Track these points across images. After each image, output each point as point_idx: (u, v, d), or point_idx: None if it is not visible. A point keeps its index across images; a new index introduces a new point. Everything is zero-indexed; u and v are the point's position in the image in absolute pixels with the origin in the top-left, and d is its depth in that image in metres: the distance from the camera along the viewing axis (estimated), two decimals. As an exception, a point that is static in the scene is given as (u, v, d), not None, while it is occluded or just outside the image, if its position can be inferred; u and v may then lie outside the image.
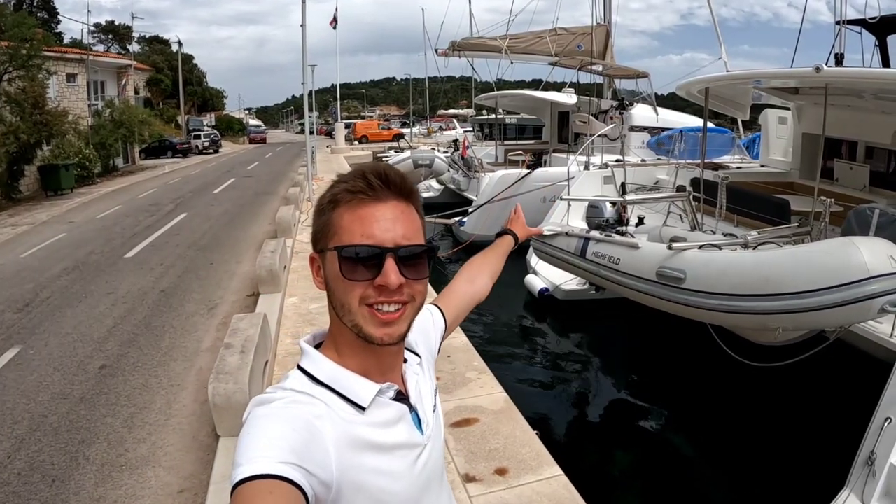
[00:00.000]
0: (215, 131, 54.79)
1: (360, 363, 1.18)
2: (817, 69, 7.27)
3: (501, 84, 21.08)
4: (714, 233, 7.87)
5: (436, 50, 21.36)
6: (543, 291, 10.58)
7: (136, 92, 45.59)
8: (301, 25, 17.42)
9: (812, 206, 7.40)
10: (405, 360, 1.33)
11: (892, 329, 5.75)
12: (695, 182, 9.52)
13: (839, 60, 9.87)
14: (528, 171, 14.78)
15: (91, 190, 24.45)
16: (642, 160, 15.21)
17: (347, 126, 53.86)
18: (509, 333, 10.12)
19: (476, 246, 13.66)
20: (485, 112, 29.58)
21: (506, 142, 22.34)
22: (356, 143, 49.41)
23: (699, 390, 7.83)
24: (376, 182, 1.14)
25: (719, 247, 6.55)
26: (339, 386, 1.14)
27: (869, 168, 10.40)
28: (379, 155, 27.09)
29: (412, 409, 1.25)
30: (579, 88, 20.26)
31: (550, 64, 18.48)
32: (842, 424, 5.66)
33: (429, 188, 20.92)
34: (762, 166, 13.94)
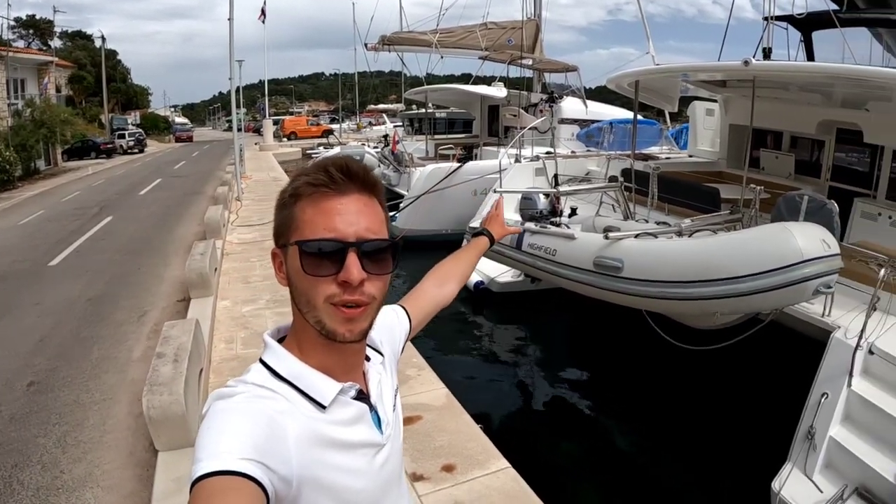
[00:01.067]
0: (140, 130, 52.68)
1: (323, 360, 1.16)
2: (746, 63, 7.51)
3: (431, 78, 21.06)
4: (647, 222, 8.00)
5: (365, 45, 21.12)
6: (479, 285, 10.58)
7: (58, 90, 43.59)
8: (228, 19, 17.04)
9: (741, 194, 7.60)
10: (368, 359, 1.32)
11: (824, 309, 5.92)
12: (626, 172, 9.73)
13: (767, 55, 10.12)
14: (459, 164, 14.75)
15: (12, 195, 23.23)
16: (573, 152, 15.40)
17: (276, 123, 53.02)
18: (447, 329, 10.03)
19: (408, 242, 13.67)
20: (414, 107, 29.42)
21: (436, 136, 22.14)
22: (285, 139, 48.73)
23: (639, 376, 7.97)
24: (338, 175, 1.12)
25: (655, 235, 6.66)
26: (301, 383, 1.12)
27: (794, 157, 10.73)
28: (308, 151, 26.72)
29: (372, 408, 1.24)
30: (509, 82, 20.30)
31: (480, 58, 18.57)
32: (780, 402, 5.86)
33: None
34: (690, 156, 14.29)
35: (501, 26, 18.85)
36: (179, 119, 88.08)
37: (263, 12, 30.92)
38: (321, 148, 24.29)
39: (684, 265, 5.63)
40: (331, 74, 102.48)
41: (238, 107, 20.80)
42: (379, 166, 18.99)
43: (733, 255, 5.43)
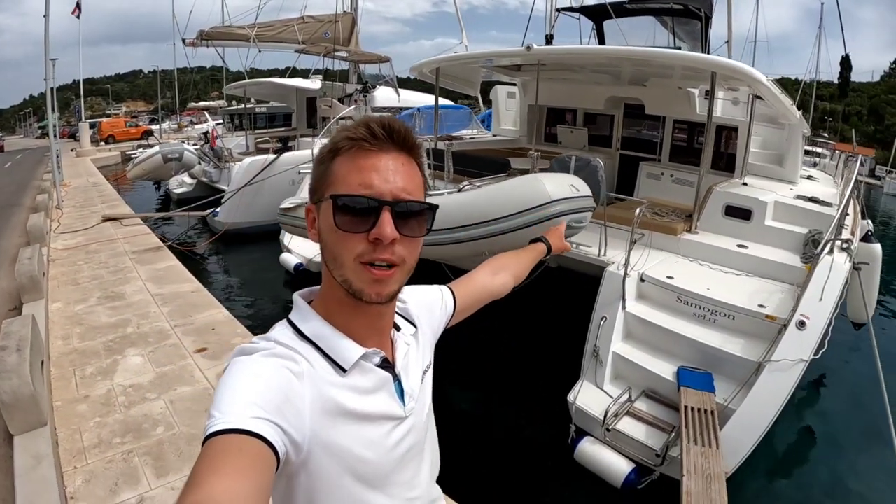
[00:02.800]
0: (-58, 143, 48.00)
1: (348, 322, 1.17)
2: (528, 48, 8.40)
3: (255, 73, 20.94)
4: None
5: (183, 40, 20.35)
6: (298, 266, 11.07)
7: None
8: (44, 16, 16.15)
9: (532, 164, 8.52)
10: (398, 328, 1.32)
11: (598, 249, 7.04)
12: (426, 152, 10.61)
13: (549, 41, 11.18)
14: (276, 156, 15.05)
15: None
16: None
17: (92, 126, 49.95)
18: (271, 312, 10.40)
19: (231, 235, 14.07)
20: (234, 102, 29.03)
21: (256, 130, 22.22)
22: (103, 143, 45.71)
23: (451, 329, 8.95)
24: (379, 131, 1.11)
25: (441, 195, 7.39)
26: (324, 344, 1.13)
27: (587, 131, 11.81)
28: (128, 153, 25.78)
29: (396, 377, 1.23)
30: (329, 74, 20.76)
31: (296, 51, 18.72)
32: (575, 333, 6.68)
33: (182, 184, 20.39)
34: (495, 136, 15.23)
35: (318, 20, 19.13)
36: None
37: (79, 6, 28.96)
38: (140, 150, 23.53)
39: (456, 214, 6.15)
40: (149, 72, 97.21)
41: (53, 110, 19.76)
42: (199, 163, 18.93)
43: (495, 200, 6.08)
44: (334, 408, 1.07)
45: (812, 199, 8.18)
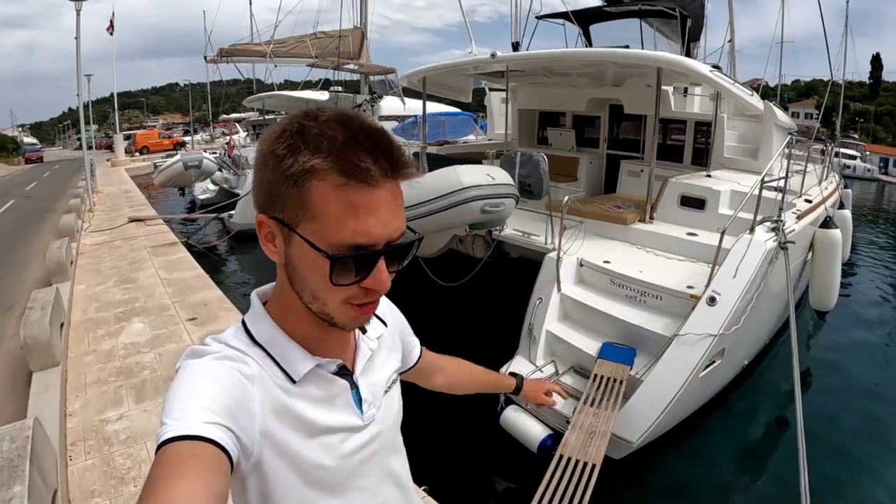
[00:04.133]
0: (-13, 154, 51.04)
1: (306, 332, 1.12)
2: (493, 55, 9.14)
3: (285, 84, 22.30)
4: (412, 188, 10.06)
5: (205, 57, 22.13)
6: None
7: None
8: (75, 38, 17.83)
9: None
10: (364, 330, 1.27)
11: (545, 238, 7.48)
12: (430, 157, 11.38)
13: (515, 47, 11.80)
14: None
15: None
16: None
17: (127, 138, 52.42)
18: None
19: (243, 234, 15.35)
20: (255, 114, 30.62)
21: None
22: (137, 154, 48.21)
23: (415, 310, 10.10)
24: (384, 164, 0.98)
25: None
26: (275, 352, 1.09)
27: (574, 133, 12.17)
28: (156, 162, 27.53)
29: (354, 385, 1.19)
30: (348, 85, 22.05)
31: (308, 65, 20.06)
32: (522, 315, 7.09)
33: (205, 190, 21.80)
34: (489, 140, 15.97)
35: (329, 35, 20.44)
36: (28, 139, 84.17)
37: (112, 24, 30.94)
38: (165, 159, 25.25)
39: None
40: (185, 85, 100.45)
41: (88, 123, 21.44)
42: (220, 170, 20.46)
43: (422, 188, 6.79)
44: (286, 413, 1.05)
45: (777, 189, 8.46)
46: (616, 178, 10.66)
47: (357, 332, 1.25)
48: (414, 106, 20.47)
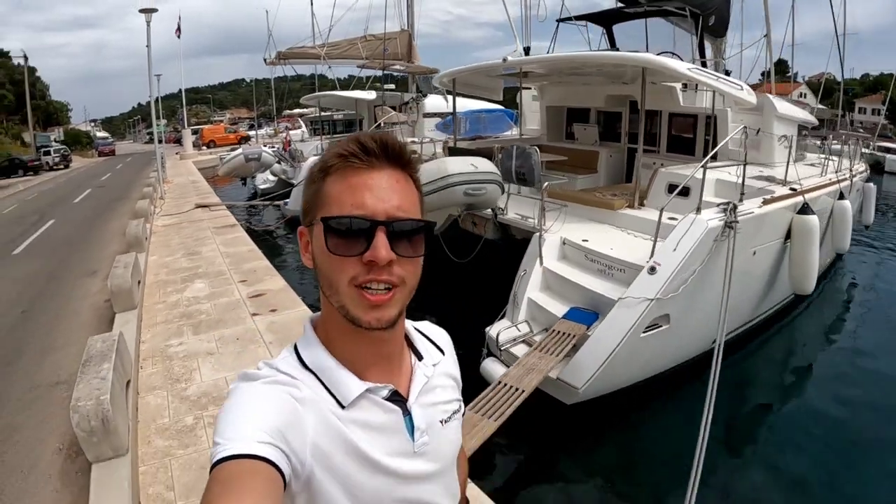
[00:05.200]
0: (65, 146, 54.59)
1: (350, 350, 1.14)
2: (504, 59, 10.55)
3: (349, 80, 24.06)
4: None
5: (265, 59, 24.10)
6: None
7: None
8: (146, 46, 20.11)
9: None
10: (420, 357, 1.28)
11: (536, 219, 8.46)
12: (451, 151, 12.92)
13: (526, 51, 12.57)
14: None
15: None
16: (430, 139, 17.92)
17: (195, 132, 55.59)
18: (309, 276, 13.73)
19: (295, 220, 17.13)
20: (312, 110, 32.38)
21: (334, 135, 25.11)
22: (204, 148, 51.32)
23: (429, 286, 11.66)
24: (372, 146, 1.08)
25: None
26: (325, 376, 1.12)
27: (597, 128, 13.23)
28: (221, 155, 29.58)
29: (407, 412, 1.18)
30: (398, 83, 23.81)
31: (358, 66, 21.98)
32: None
33: (266, 180, 23.95)
34: (521, 136, 16.60)
35: (378, 38, 22.01)
36: (101, 134, 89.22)
37: (179, 28, 33.45)
38: (231, 153, 27.36)
39: None
40: (251, 80, 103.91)
41: (158, 118, 23.57)
42: (278, 163, 22.49)
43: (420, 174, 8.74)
44: (337, 437, 1.06)
45: (767, 178, 9.50)
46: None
47: (413, 358, 1.27)
48: (457, 103, 21.88)
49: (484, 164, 8.82)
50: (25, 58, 55.76)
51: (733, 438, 7.02)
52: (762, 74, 19.82)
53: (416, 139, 16.78)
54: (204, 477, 4.29)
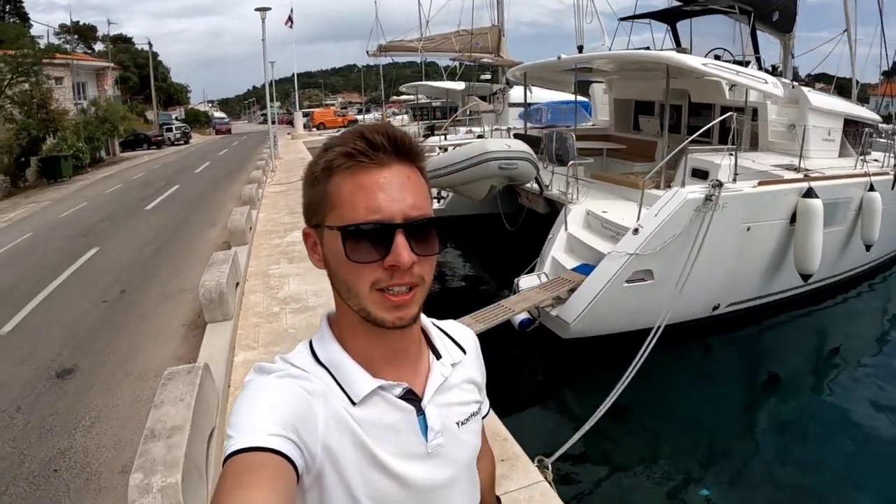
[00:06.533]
0: (186, 124, 60.81)
1: (365, 347, 1.15)
2: (559, 57, 12.44)
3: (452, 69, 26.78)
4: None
5: (367, 52, 26.81)
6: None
7: (109, 91, 50.55)
8: (262, 40, 23.41)
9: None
10: (439, 356, 1.27)
11: (570, 196, 10.60)
12: (516, 135, 15.16)
13: (580, 49, 14.44)
14: (423, 138, 19.59)
15: (86, 177, 29.48)
16: (513, 127, 19.72)
17: (306, 115, 59.68)
18: None
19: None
20: (414, 97, 34.87)
21: (434, 121, 27.65)
22: (315, 129, 55.08)
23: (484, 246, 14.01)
24: (380, 140, 1.05)
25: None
26: (337, 372, 1.13)
27: (660, 120, 13.94)
28: (329, 136, 32.16)
29: (421, 412, 1.18)
30: (488, 73, 25.95)
31: (451, 59, 24.38)
32: None
33: None
34: (593, 126, 18.74)
35: (471, 32, 24.26)
36: (218, 114, 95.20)
37: (291, 19, 36.39)
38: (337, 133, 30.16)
39: (441, 161, 10.78)
40: (363, 66, 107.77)
41: (272, 100, 26.53)
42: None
43: (460, 152, 10.64)
44: (347, 432, 1.08)
45: (789, 168, 10.36)
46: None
47: (431, 356, 1.26)
48: (539, 95, 22.80)
49: (517, 145, 10.81)
50: (150, 44, 63.74)
51: (737, 402, 8.24)
52: (882, 74, 20.59)
53: (500, 126, 18.66)
54: (277, 340, 6.91)
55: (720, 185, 8.44)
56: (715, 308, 9.51)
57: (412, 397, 1.17)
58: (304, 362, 1.14)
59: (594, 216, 10.21)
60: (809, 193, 9.30)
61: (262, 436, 0.94)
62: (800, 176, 9.91)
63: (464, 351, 1.33)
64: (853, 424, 7.69)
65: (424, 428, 1.16)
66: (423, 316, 1.22)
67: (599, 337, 8.51)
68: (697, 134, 10.14)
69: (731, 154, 10.00)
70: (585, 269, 8.93)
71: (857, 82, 16.16)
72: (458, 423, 1.23)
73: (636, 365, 7.10)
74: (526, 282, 9.54)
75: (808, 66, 66.61)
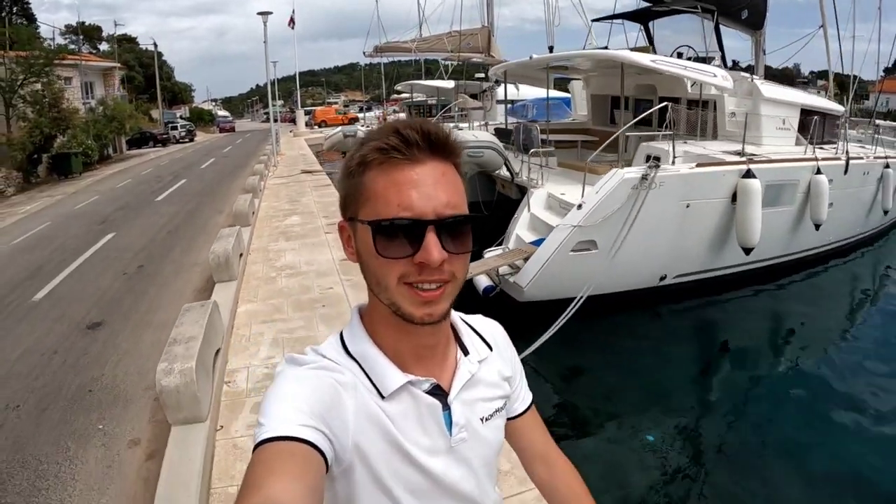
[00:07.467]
0: (190, 122, 62.20)
1: (395, 342, 1.17)
2: (531, 57, 13.79)
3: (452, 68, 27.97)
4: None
5: (364, 52, 28.18)
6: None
7: (116, 90, 51.80)
8: (264, 42, 24.88)
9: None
10: (466, 352, 1.29)
11: (532, 176, 12.34)
12: (496, 129, 16.67)
13: (550, 49, 15.62)
14: None
15: (95, 173, 30.62)
16: (499, 123, 20.95)
17: (308, 113, 61.11)
18: None
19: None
20: (409, 95, 36.59)
21: (429, 117, 28.75)
22: (316, 127, 56.33)
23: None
24: (414, 137, 1.05)
25: None
26: (367, 365, 1.15)
27: (632, 114, 14.29)
28: (326, 135, 33.78)
29: (447, 406, 1.20)
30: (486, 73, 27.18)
31: (443, 59, 25.86)
32: None
33: None
34: (573, 120, 20.24)
35: (462, 34, 25.72)
36: (222, 112, 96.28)
37: (292, 20, 37.68)
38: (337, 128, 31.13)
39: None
40: (365, 65, 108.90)
41: (274, 99, 27.85)
42: (372, 142, 26.41)
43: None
44: (377, 424, 1.09)
45: (736, 153, 11.19)
46: None
47: (459, 353, 1.27)
48: (526, 92, 24.25)
49: (483, 136, 12.46)
50: (155, 44, 65.91)
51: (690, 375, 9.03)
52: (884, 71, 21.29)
53: (488, 122, 20.22)
54: (273, 295, 8.49)
55: (657, 165, 9.52)
56: (662, 279, 10.58)
57: (439, 392, 1.19)
58: (336, 354, 1.17)
59: (554, 198, 11.40)
60: (748, 174, 10.21)
61: (293, 426, 0.96)
62: (743, 159, 10.80)
63: (490, 347, 1.34)
64: (793, 387, 8.59)
65: (449, 422, 1.19)
66: (452, 311, 1.20)
67: (553, 301, 9.29)
68: (632, 123, 11.72)
69: (685, 142, 11.32)
70: (539, 243, 10.13)
71: (835, 75, 17.33)
72: (481, 419, 1.25)
73: (562, 321, 8.50)
74: (490, 252, 10.91)
75: (810, 64, 71.13)
